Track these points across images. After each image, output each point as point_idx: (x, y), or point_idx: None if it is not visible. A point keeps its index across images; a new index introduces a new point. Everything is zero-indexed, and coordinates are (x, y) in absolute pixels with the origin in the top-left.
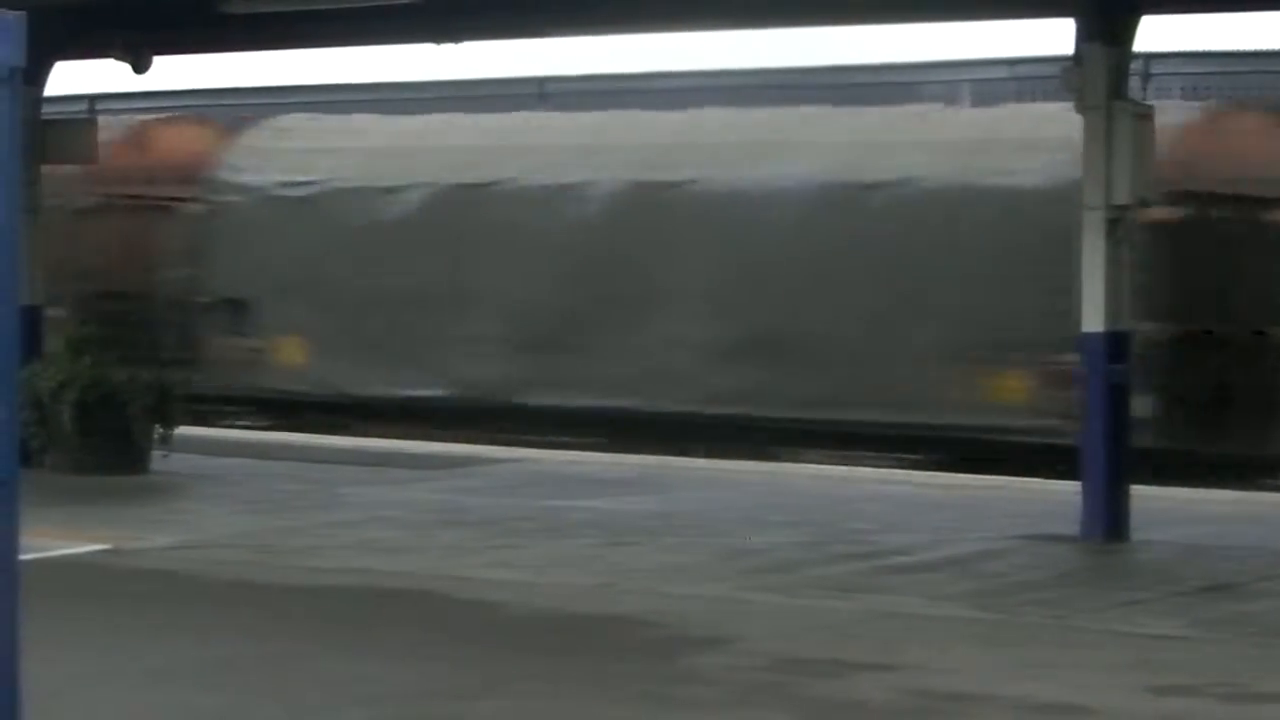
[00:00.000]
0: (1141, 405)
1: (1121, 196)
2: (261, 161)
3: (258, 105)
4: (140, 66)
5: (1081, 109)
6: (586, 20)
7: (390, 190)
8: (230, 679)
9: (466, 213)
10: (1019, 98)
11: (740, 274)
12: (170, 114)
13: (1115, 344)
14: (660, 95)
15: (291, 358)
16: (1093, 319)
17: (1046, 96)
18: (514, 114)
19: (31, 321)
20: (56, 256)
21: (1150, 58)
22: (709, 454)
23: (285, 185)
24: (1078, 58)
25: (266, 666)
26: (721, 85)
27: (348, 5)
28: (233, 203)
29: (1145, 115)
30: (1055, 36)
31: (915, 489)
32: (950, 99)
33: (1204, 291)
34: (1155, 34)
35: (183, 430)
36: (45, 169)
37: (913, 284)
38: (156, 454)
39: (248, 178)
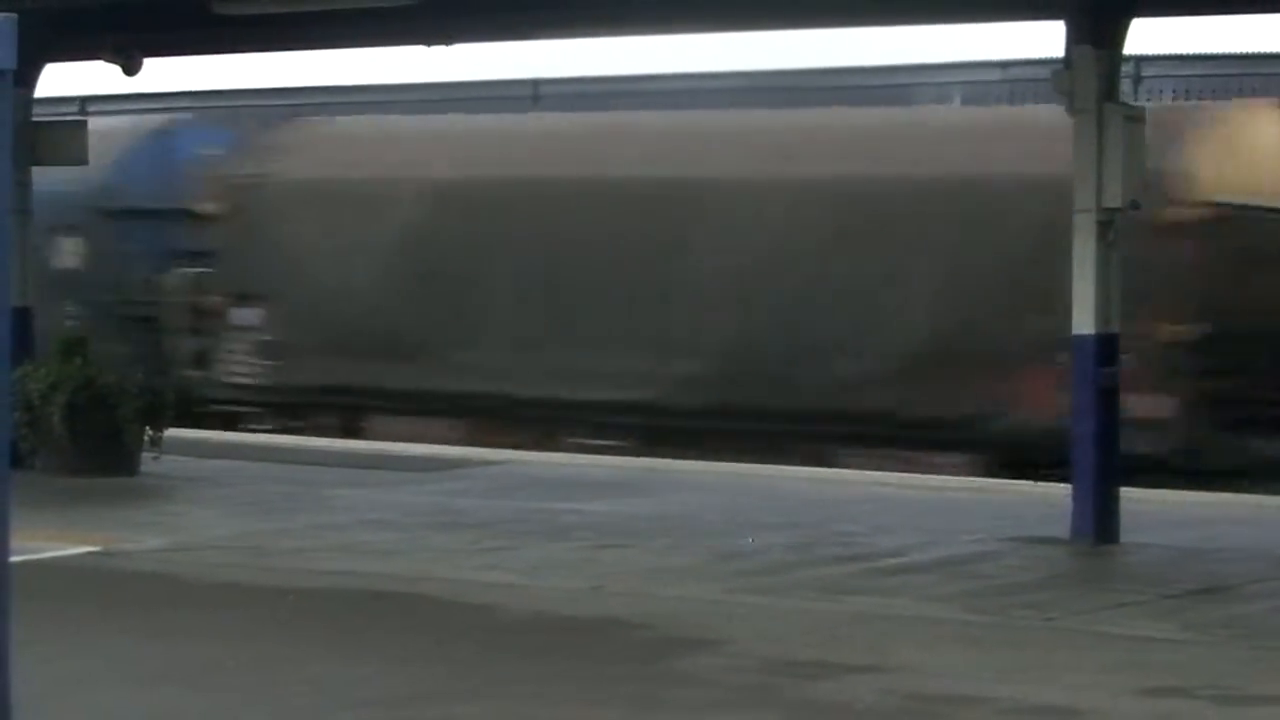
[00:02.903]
0: None
1: (1113, 199)
2: None
3: (246, 108)
4: (131, 69)
5: (1072, 112)
6: (577, 22)
7: None
8: (220, 681)
9: None
10: (1011, 100)
11: None
12: None
13: (1105, 346)
14: (656, 97)
15: None
16: (1083, 321)
17: (1038, 99)
18: None
19: (23, 323)
20: None
21: (1141, 60)
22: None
23: None
24: (1068, 60)
25: (256, 669)
26: (714, 88)
27: (339, 7)
28: None
29: (1136, 117)
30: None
31: (905, 491)
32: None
33: None
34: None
35: (173, 432)
36: None
37: None
38: (147, 456)
39: None
